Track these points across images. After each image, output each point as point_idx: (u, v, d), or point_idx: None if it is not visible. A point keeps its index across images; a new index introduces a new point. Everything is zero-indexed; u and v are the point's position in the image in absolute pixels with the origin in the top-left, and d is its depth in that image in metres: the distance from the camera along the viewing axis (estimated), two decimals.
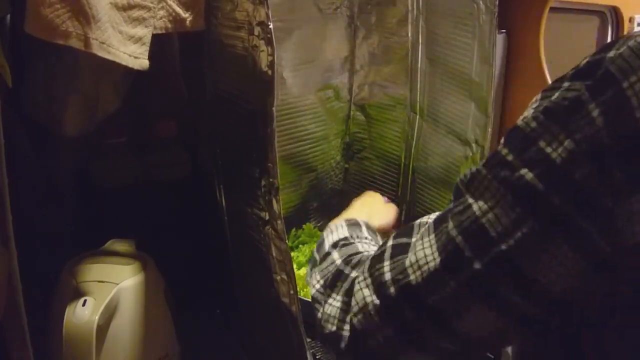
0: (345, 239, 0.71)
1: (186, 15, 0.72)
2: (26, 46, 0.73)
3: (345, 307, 0.59)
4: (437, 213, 0.55)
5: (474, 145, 0.96)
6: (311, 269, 0.70)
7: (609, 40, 1.68)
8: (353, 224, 0.76)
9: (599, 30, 1.67)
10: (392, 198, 1.14)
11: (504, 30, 1.29)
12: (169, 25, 0.71)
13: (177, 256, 0.92)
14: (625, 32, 1.64)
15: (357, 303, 0.56)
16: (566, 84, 0.45)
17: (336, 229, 0.74)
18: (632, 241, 0.42)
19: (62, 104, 0.79)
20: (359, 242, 0.70)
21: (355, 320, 0.56)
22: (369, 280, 0.56)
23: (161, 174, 0.98)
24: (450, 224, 0.49)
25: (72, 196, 0.96)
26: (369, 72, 1.16)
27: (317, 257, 0.70)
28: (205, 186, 0.90)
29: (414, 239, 0.54)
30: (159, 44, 0.71)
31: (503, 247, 0.45)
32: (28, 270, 0.61)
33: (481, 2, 0.88)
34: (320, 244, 0.72)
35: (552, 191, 0.43)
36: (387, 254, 0.56)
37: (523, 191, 0.45)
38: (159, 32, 0.70)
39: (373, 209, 0.93)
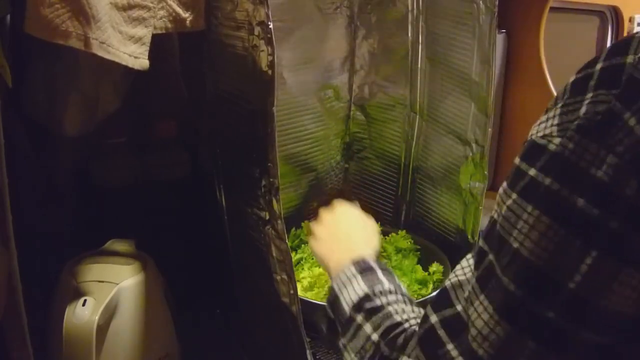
0: (368, 297, 0.63)
1: (186, 15, 0.72)
2: (26, 46, 0.73)
3: None
4: (462, 269, 0.51)
5: (474, 145, 0.96)
6: (329, 332, 0.65)
7: (609, 40, 1.68)
8: (366, 271, 0.67)
9: (599, 30, 1.67)
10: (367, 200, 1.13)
11: (504, 30, 1.30)
12: (169, 25, 0.71)
13: (177, 256, 0.92)
14: (625, 32, 1.64)
15: None
16: (590, 95, 0.43)
17: (349, 282, 0.66)
18: None
19: (62, 104, 0.79)
20: (386, 302, 0.62)
21: None
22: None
23: (161, 174, 0.98)
24: (504, 279, 0.44)
25: (72, 196, 0.96)
26: (369, 72, 1.16)
27: (335, 318, 0.65)
28: (205, 186, 0.90)
29: (459, 308, 0.49)
30: (159, 44, 0.71)
31: (571, 285, 0.42)
32: (28, 270, 0.61)
33: (481, 2, 0.88)
34: (334, 301, 0.66)
35: (608, 214, 0.41)
36: (443, 334, 0.50)
37: (578, 221, 0.41)
38: (159, 32, 0.70)
39: (365, 230, 0.82)
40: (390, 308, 0.61)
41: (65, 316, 0.71)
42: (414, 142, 1.12)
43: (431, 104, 1.06)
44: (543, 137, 0.44)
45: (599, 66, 0.43)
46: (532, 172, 0.43)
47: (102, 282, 0.75)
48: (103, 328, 0.73)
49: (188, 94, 0.99)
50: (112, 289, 0.75)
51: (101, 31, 0.63)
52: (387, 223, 1.17)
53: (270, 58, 0.65)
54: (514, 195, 0.45)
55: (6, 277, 0.58)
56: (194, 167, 0.98)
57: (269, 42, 0.64)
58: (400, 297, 0.64)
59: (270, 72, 0.65)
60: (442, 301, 0.51)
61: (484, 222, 0.74)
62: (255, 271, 0.77)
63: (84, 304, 0.72)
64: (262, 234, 0.72)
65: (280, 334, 0.76)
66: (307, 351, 0.73)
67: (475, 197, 0.96)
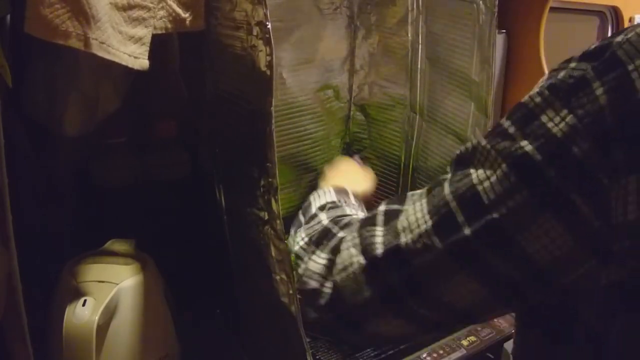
0: (333, 202, 0.72)
1: (186, 15, 0.72)
2: (26, 46, 0.73)
3: (329, 264, 0.59)
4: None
5: None
6: (295, 230, 0.70)
7: None
8: (341, 191, 0.77)
9: (599, 30, 1.67)
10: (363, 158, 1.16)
11: (504, 30, 1.30)
12: (169, 25, 0.71)
13: (177, 256, 0.92)
14: None
15: (343, 262, 0.57)
16: (573, 64, 0.46)
17: (324, 194, 0.75)
18: (621, 220, 0.43)
19: (62, 104, 0.79)
20: (347, 206, 0.71)
21: (338, 278, 0.56)
22: (357, 240, 0.56)
23: (161, 174, 0.98)
24: (446, 189, 0.50)
25: (72, 196, 0.96)
26: (368, 72, 1.16)
27: (303, 218, 0.71)
28: (205, 186, 0.90)
29: (406, 206, 0.55)
30: (159, 44, 0.71)
31: (495, 214, 0.46)
32: (28, 270, 0.61)
33: (481, 2, 0.88)
34: (307, 207, 0.73)
35: (549, 164, 0.44)
36: (379, 219, 0.56)
37: (520, 162, 0.45)
38: (159, 32, 0.70)
39: (352, 176, 0.94)
40: (347, 209, 0.70)
41: (65, 316, 0.71)
42: (414, 142, 1.12)
43: (431, 104, 1.06)
44: (527, 96, 0.48)
45: (593, 45, 0.47)
46: (507, 123, 0.48)
47: (102, 282, 0.75)
48: (103, 328, 0.74)
49: (188, 94, 0.99)
50: (112, 289, 0.75)
51: (101, 31, 0.63)
52: None
53: (268, 58, 0.65)
54: (485, 134, 0.50)
55: (6, 277, 0.58)
56: (194, 167, 0.98)
57: (268, 42, 0.64)
58: (360, 210, 0.73)
59: (268, 72, 0.65)
60: (396, 200, 0.58)
61: None
62: (255, 271, 0.77)
63: (84, 304, 0.72)
64: (261, 233, 0.72)
65: (280, 334, 0.76)
66: (307, 351, 0.73)
67: None
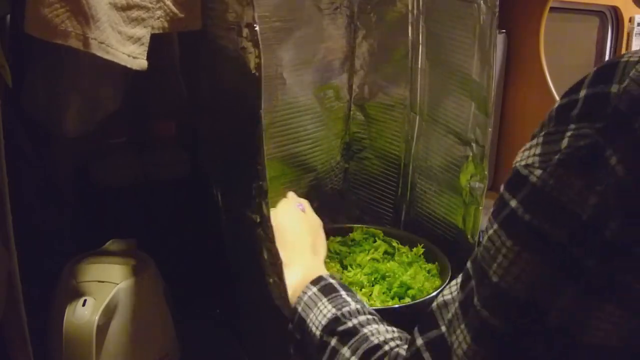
0: (337, 320, 0.64)
1: (183, 15, 0.72)
2: (26, 46, 0.73)
3: None
4: (449, 287, 0.52)
5: (474, 145, 0.96)
6: (297, 353, 0.66)
7: (608, 40, 1.68)
8: (329, 291, 0.68)
9: (599, 30, 1.68)
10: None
11: (504, 30, 1.30)
12: (166, 25, 0.71)
13: (177, 256, 0.92)
14: (625, 33, 1.65)
15: None
16: (572, 127, 0.41)
17: (314, 303, 0.67)
18: None
19: (62, 104, 0.79)
20: (358, 324, 0.63)
21: None
22: None
23: (161, 174, 0.98)
24: (483, 312, 0.45)
25: (72, 196, 0.96)
26: (368, 72, 1.16)
27: (302, 340, 0.65)
28: (205, 186, 0.90)
29: (443, 330, 0.50)
30: (158, 44, 0.71)
31: (551, 318, 0.42)
32: (28, 270, 0.61)
33: (481, 3, 0.88)
34: (301, 324, 0.66)
35: (586, 253, 0.40)
36: (427, 356, 0.50)
37: (558, 258, 0.41)
38: (157, 32, 0.70)
39: (311, 232, 0.83)
40: (364, 330, 0.62)
41: (65, 316, 0.71)
42: (414, 142, 1.12)
43: (431, 104, 1.06)
44: (526, 166, 0.43)
45: (582, 93, 0.42)
46: (514, 203, 0.43)
47: (102, 282, 0.75)
48: (103, 328, 0.74)
49: (187, 94, 0.99)
50: (112, 289, 0.75)
51: (100, 31, 0.63)
52: (387, 223, 1.17)
53: (257, 60, 0.64)
54: (495, 226, 0.45)
55: (6, 276, 0.58)
56: (193, 167, 0.98)
57: (256, 44, 0.64)
58: (369, 317, 0.65)
59: (257, 74, 0.65)
60: (428, 322, 0.52)
61: (484, 222, 0.74)
62: (250, 273, 0.77)
63: (84, 304, 0.72)
64: (254, 236, 0.72)
65: (279, 333, 0.76)
66: None
67: (475, 197, 0.96)
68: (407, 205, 1.16)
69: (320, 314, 0.65)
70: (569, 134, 0.41)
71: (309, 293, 0.68)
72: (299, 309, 0.68)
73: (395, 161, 1.16)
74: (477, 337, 0.45)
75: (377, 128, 1.18)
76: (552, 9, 1.25)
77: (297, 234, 0.80)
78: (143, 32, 0.68)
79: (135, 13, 0.67)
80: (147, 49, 0.69)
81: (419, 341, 0.51)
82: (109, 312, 0.74)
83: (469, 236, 0.99)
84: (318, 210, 1.21)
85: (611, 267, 0.40)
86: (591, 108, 0.41)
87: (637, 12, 1.63)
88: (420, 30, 1.04)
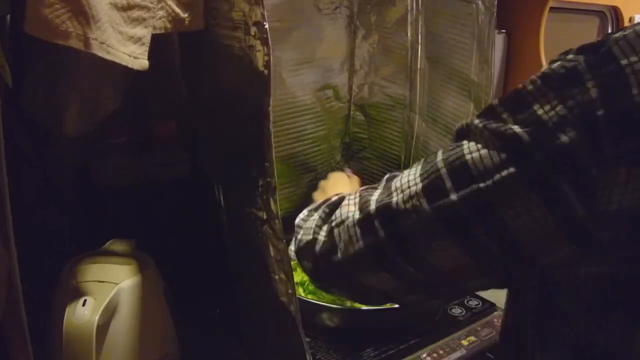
0: (327, 200, 0.73)
1: (185, 15, 0.72)
2: (26, 46, 0.73)
3: (325, 216, 0.65)
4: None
5: None
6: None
7: None
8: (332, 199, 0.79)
9: (599, 30, 1.67)
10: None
11: (504, 30, 1.30)
12: (168, 25, 0.71)
13: (177, 256, 0.92)
14: None
15: (341, 215, 0.61)
16: (570, 56, 0.47)
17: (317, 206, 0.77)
18: (604, 209, 0.44)
19: (62, 104, 0.79)
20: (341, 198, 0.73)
21: (335, 230, 0.60)
22: (357, 199, 0.60)
23: (161, 174, 0.98)
24: (439, 156, 0.52)
25: (72, 196, 0.96)
26: (368, 72, 1.16)
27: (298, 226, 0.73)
28: (205, 186, 0.90)
29: (404, 171, 0.58)
30: (158, 44, 0.71)
31: (481, 185, 0.48)
32: (28, 270, 0.61)
33: (480, 2, 0.88)
34: (303, 215, 0.75)
35: (538, 147, 0.45)
36: (380, 184, 0.60)
37: (510, 141, 0.47)
38: (159, 32, 0.70)
39: (344, 189, 0.94)
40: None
41: (65, 316, 0.71)
42: (414, 142, 1.12)
43: (431, 104, 1.06)
44: (522, 82, 0.50)
45: (595, 40, 0.48)
46: (497, 102, 0.50)
47: (102, 282, 0.75)
48: (103, 328, 0.74)
49: (187, 94, 0.99)
50: (112, 289, 0.75)
51: (101, 31, 0.63)
52: None
53: (266, 58, 0.65)
54: (478, 114, 0.52)
55: (6, 276, 0.58)
56: (193, 167, 0.98)
57: (265, 42, 0.64)
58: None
59: (266, 72, 0.65)
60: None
61: None
62: (254, 271, 0.77)
63: (84, 304, 0.72)
64: (260, 233, 0.72)
65: (279, 333, 0.76)
66: (307, 351, 0.73)
67: None
68: None
69: (319, 202, 0.74)
70: (563, 59, 0.48)
71: (318, 203, 0.77)
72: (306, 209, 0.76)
73: (395, 161, 1.16)
74: (423, 174, 0.53)
75: (376, 128, 1.18)
76: (552, 9, 1.25)
77: (335, 184, 0.98)
78: (144, 32, 0.68)
79: (136, 13, 0.67)
80: (148, 48, 0.69)
81: (386, 175, 0.62)
82: (109, 312, 0.74)
83: None
84: None
85: (554, 168, 0.45)
86: (591, 46, 0.47)
87: (637, 12, 1.63)
88: (420, 30, 1.04)
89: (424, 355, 0.91)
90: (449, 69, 0.99)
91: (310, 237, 0.65)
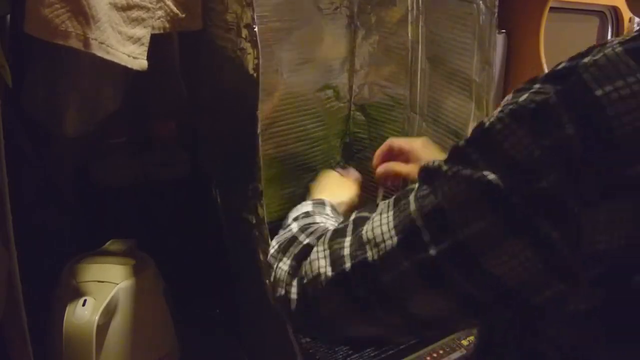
0: (307, 213, 0.73)
1: (183, 15, 0.72)
2: (26, 46, 0.73)
3: (292, 271, 0.61)
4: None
5: None
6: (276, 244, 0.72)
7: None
8: (318, 203, 0.78)
9: (599, 30, 1.67)
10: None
11: (504, 30, 1.29)
12: (167, 25, 0.71)
13: (177, 256, 0.92)
14: (625, 32, 1.64)
15: (312, 271, 0.57)
16: (537, 86, 0.44)
17: (301, 207, 0.76)
18: (591, 249, 0.42)
19: (62, 104, 0.79)
20: (318, 216, 0.72)
21: (308, 288, 0.58)
22: (327, 252, 0.57)
23: (161, 174, 0.98)
24: (412, 206, 0.49)
25: (72, 196, 0.96)
26: (369, 72, 1.16)
27: (281, 231, 0.72)
28: (205, 186, 0.90)
29: (374, 214, 0.55)
30: (158, 44, 0.71)
31: (460, 236, 0.46)
32: (28, 270, 0.61)
33: (481, 3, 0.88)
34: (285, 221, 0.74)
35: (515, 193, 0.43)
36: (349, 229, 0.57)
37: (485, 189, 0.44)
38: (157, 32, 0.70)
39: (333, 188, 0.94)
40: (317, 217, 0.71)
41: (65, 316, 0.71)
42: None
43: (431, 104, 1.06)
44: (489, 118, 0.46)
45: (561, 65, 0.45)
46: (464, 142, 0.47)
47: (102, 282, 0.76)
48: (103, 328, 0.74)
49: (187, 94, 0.99)
50: (112, 289, 0.75)
51: (100, 31, 0.63)
52: None
53: (256, 61, 0.65)
54: (446, 157, 0.49)
55: (6, 276, 0.58)
56: (193, 167, 0.98)
57: (255, 45, 0.64)
58: (334, 220, 0.73)
59: (255, 75, 0.65)
60: (368, 208, 0.58)
61: None
62: (254, 271, 0.77)
63: (84, 304, 0.72)
64: (250, 237, 0.72)
65: (279, 333, 0.76)
66: (297, 355, 0.73)
67: None
68: None
69: (300, 210, 0.74)
70: (531, 91, 0.44)
71: (304, 203, 0.78)
72: (290, 212, 0.76)
73: None
74: (398, 225, 0.50)
75: (377, 128, 1.18)
76: (552, 9, 1.24)
77: (323, 184, 0.96)
78: (143, 32, 0.68)
79: (135, 13, 0.67)
80: (147, 49, 0.69)
81: (352, 217, 0.59)
82: (109, 312, 0.74)
83: None
84: None
85: (534, 211, 0.43)
86: (559, 73, 0.44)
87: None
88: (420, 30, 1.04)
89: (424, 355, 0.91)
90: (450, 69, 0.99)
91: (283, 292, 0.62)
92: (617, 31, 1.65)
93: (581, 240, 0.42)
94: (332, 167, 1.21)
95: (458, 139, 0.99)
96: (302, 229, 0.67)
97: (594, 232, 0.42)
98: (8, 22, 0.70)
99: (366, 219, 0.55)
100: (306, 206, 0.76)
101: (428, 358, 0.90)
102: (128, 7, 0.66)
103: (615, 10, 1.63)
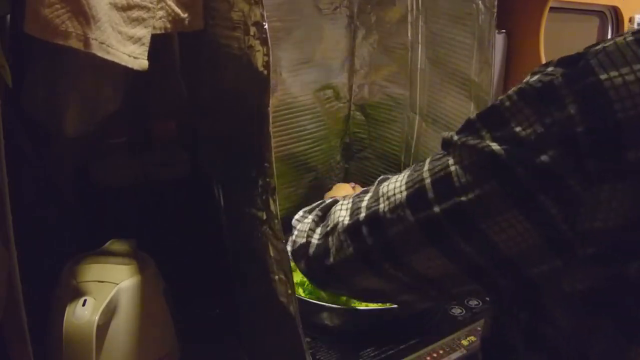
0: (320, 204, 0.74)
1: (185, 15, 0.72)
2: (26, 46, 0.73)
3: (317, 219, 0.66)
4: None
5: None
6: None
7: None
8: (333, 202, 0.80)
9: (599, 30, 1.67)
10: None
11: (504, 30, 1.30)
12: (168, 26, 0.71)
13: (177, 256, 0.92)
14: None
15: (333, 220, 0.61)
16: (549, 69, 0.46)
17: (316, 204, 0.77)
18: (588, 227, 0.43)
19: (62, 104, 0.79)
20: (332, 203, 0.74)
21: (329, 235, 0.61)
22: (349, 204, 0.61)
23: (161, 174, 0.98)
24: (426, 166, 0.52)
25: (72, 196, 0.96)
26: (368, 72, 1.16)
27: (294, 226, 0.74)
28: (205, 186, 0.90)
29: (395, 176, 0.58)
30: (158, 44, 0.71)
31: (463, 198, 0.48)
32: (28, 270, 0.61)
33: (480, 2, 0.88)
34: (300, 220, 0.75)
35: (518, 165, 0.45)
36: (373, 187, 0.60)
37: (490, 158, 0.46)
38: (158, 32, 0.70)
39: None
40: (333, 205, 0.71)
41: (65, 316, 0.71)
42: (414, 142, 1.12)
43: (431, 104, 1.06)
44: (500, 96, 0.48)
45: (576, 52, 0.46)
46: (475, 116, 0.50)
47: (102, 282, 0.75)
48: (103, 328, 0.74)
49: (187, 94, 0.99)
50: (112, 289, 0.75)
51: (101, 31, 0.63)
52: None
53: (265, 58, 0.65)
54: (458, 129, 0.51)
55: (6, 276, 0.58)
56: (193, 167, 0.98)
57: (265, 42, 0.64)
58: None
59: (265, 72, 0.65)
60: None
61: None
62: (254, 271, 0.77)
63: (84, 304, 0.72)
64: (259, 233, 0.72)
65: (279, 333, 0.76)
66: (306, 351, 0.73)
67: None
68: None
69: (314, 204, 0.75)
70: (543, 72, 0.46)
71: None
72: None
73: (395, 161, 1.16)
74: (408, 182, 0.53)
75: (377, 128, 1.18)
76: (552, 9, 1.25)
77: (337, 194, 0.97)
78: (144, 32, 0.68)
79: (135, 13, 0.67)
80: (147, 49, 0.69)
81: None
82: (109, 312, 0.74)
83: None
84: None
85: (536, 185, 0.44)
86: (571, 58, 0.45)
87: (637, 12, 1.63)
88: (420, 30, 1.04)
89: (424, 356, 0.91)
90: (449, 68, 0.99)
91: (304, 240, 0.66)
92: (617, 31, 1.65)
93: (579, 217, 0.43)
94: (332, 167, 1.21)
95: None
96: (320, 208, 0.69)
97: (592, 211, 0.43)
98: (8, 22, 0.70)
99: (387, 179, 0.58)
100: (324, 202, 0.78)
101: (428, 358, 0.90)
102: (128, 7, 0.66)
103: (615, 10, 1.63)
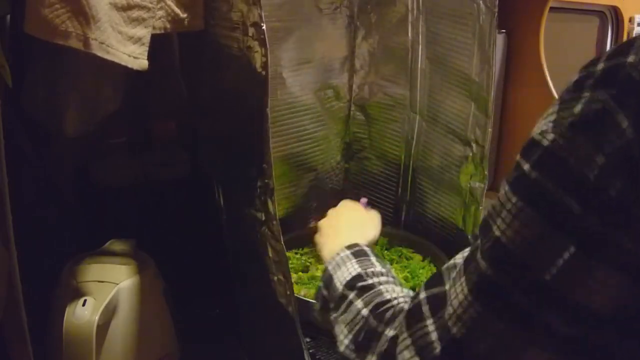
0: (360, 277, 0.67)
1: (185, 15, 0.72)
2: (26, 46, 0.73)
3: None
4: (462, 253, 0.53)
5: (474, 145, 0.96)
6: (322, 309, 0.69)
7: (608, 40, 1.68)
8: (359, 254, 0.72)
9: (599, 30, 1.67)
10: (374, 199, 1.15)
11: (504, 30, 1.30)
12: (168, 26, 0.71)
13: (177, 256, 0.92)
14: (625, 32, 1.64)
15: None
16: (587, 94, 0.42)
17: (343, 263, 0.71)
18: None
19: (62, 104, 0.79)
20: (377, 282, 0.66)
21: None
22: (409, 342, 0.52)
23: (161, 174, 0.98)
24: (481, 262, 0.46)
25: (72, 196, 0.96)
26: (369, 72, 1.16)
27: (328, 295, 0.68)
28: (205, 186, 0.90)
29: (447, 287, 0.51)
30: (158, 44, 0.71)
31: (546, 277, 0.42)
32: (28, 270, 0.61)
33: (481, 2, 0.88)
34: (329, 280, 0.70)
35: (590, 212, 0.41)
36: (425, 310, 0.52)
37: (560, 216, 0.42)
38: (158, 32, 0.70)
39: (363, 224, 0.91)
40: (381, 287, 0.65)
41: (65, 316, 0.71)
42: (414, 142, 1.12)
43: (431, 104, 1.06)
44: (540, 133, 0.44)
45: (600, 66, 0.43)
46: (526, 166, 0.44)
47: (102, 282, 0.76)
48: (103, 328, 0.74)
49: (187, 94, 0.99)
50: (112, 289, 0.75)
51: (101, 31, 0.63)
52: (387, 223, 1.16)
53: (264, 59, 0.65)
54: (506, 186, 0.46)
55: (6, 276, 0.58)
56: (193, 167, 0.98)
57: (263, 43, 0.64)
58: (390, 278, 0.68)
59: (264, 73, 0.65)
60: (434, 280, 0.54)
61: None
62: (253, 271, 0.77)
63: (84, 304, 0.72)
64: (258, 234, 0.72)
65: (279, 334, 0.76)
66: (305, 351, 0.73)
67: (475, 197, 0.96)
68: (407, 205, 1.16)
69: (346, 271, 0.69)
70: (583, 100, 0.42)
71: (342, 254, 0.73)
72: (330, 267, 0.72)
73: (395, 161, 1.16)
74: (473, 288, 0.46)
75: (377, 128, 1.18)
76: (552, 9, 1.25)
77: (348, 218, 0.92)
78: (143, 32, 0.68)
79: (135, 13, 0.67)
80: (147, 48, 0.69)
81: (422, 295, 0.53)
82: (109, 312, 0.74)
83: (469, 236, 0.99)
84: (318, 210, 1.21)
85: (610, 225, 0.41)
86: (607, 76, 0.42)
87: (637, 12, 1.63)
88: (420, 30, 1.04)
89: None
90: (450, 68, 0.99)
91: None
92: (617, 31, 1.65)
93: None
94: (333, 167, 1.21)
95: (458, 139, 0.99)
96: (377, 315, 0.61)
97: None
98: (8, 22, 0.70)
99: (442, 295, 0.51)
100: (350, 263, 0.71)
101: None
102: (128, 7, 0.66)
103: (615, 10, 1.63)
